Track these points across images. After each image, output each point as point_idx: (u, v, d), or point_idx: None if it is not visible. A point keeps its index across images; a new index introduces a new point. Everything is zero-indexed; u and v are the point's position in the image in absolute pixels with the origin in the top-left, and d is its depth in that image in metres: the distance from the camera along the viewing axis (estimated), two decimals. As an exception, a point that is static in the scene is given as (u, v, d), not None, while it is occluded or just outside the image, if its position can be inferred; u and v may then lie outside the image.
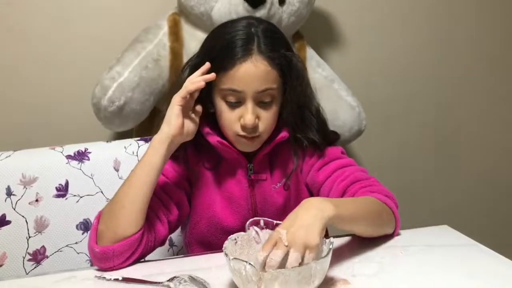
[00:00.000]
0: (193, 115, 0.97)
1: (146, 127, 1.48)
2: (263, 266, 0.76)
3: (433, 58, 1.89)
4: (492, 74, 1.96)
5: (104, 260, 0.89)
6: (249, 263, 0.72)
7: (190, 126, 0.96)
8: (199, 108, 0.98)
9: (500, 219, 2.06)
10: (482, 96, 1.96)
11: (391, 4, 1.82)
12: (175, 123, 0.93)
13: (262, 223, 0.86)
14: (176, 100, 0.93)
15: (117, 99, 1.37)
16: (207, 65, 0.95)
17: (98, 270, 0.91)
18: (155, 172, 0.93)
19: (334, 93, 1.55)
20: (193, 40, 1.42)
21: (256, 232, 0.86)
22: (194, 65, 0.99)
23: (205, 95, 0.98)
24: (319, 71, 1.56)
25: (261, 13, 1.35)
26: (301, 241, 0.75)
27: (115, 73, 1.38)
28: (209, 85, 0.98)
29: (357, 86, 1.66)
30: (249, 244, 0.85)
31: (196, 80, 0.93)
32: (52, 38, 1.60)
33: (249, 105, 0.95)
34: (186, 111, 0.96)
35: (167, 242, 1.28)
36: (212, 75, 0.94)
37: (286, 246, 0.75)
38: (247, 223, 0.86)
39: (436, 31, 1.87)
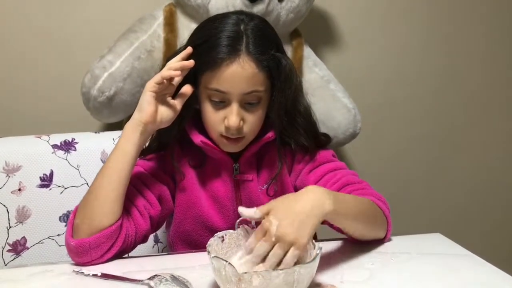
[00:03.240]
0: (171, 102, 0.93)
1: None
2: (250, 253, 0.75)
3: (431, 61, 1.88)
4: (490, 79, 1.95)
5: (80, 254, 0.86)
6: (229, 263, 0.70)
7: (165, 113, 0.92)
8: (186, 89, 0.93)
9: (494, 228, 2.05)
10: (479, 101, 1.95)
11: (391, 6, 1.81)
12: (146, 110, 0.90)
13: (253, 222, 0.83)
14: (149, 86, 0.90)
15: (107, 89, 1.34)
16: (188, 49, 0.91)
17: (77, 264, 0.88)
18: (129, 160, 0.90)
19: (330, 94, 1.53)
20: (188, 32, 1.36)
21: (246, 231, 0.84)
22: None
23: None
24: (315, 71, 1.54)
25: (259, 8, 1.32)
26: (289, 239, 0.73)
27: (106, 63, 1.36)
28: (195, 82, 0.95)
29: (354, 88, 1.64)
30: (238, 243, 0.83)
31: (173, 66, 0.89)
32: (42, 25, 1.57)
33: (234, 107, 0.93)
34: (162, 98, 0.92)
35: (152, 238, 1.26)
36: (191, 62, 0.90)
37: (273, 241, 0.73)
38: (237, 221, 0.84)
39: (435, 34, 1.86)
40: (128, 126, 0.91)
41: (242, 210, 0.79)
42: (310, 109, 1.02)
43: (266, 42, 0.94)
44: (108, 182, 0.88)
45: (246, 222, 0.84)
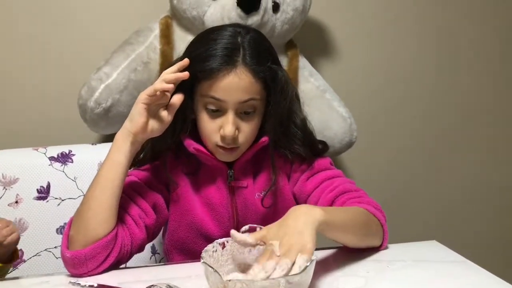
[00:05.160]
0: (163, 113, 0.93)
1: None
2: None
3: (426, 70, 1.89)
4: (487, 87, 1.95)
5: (76, 265, 0.86)
6: (215, 270, 0.70)
7: (156, 125, 0.92)
8: (176, 100, 0.93)
9: (490, 235, 2.04)
10: (474, 110, 1.96)
11: (385, 15, 1.82)
12: (137, 121, 0.90)
13: (258, 230, 0.83)
14: (141, 98, 0.90)
15: (104, 101, 1.35)
16: (185, 61, 0.92)
17: (73, 276, 0.88)
18: (120, 169, 0.90)
19: (326, 103, 1.54)
20: (185, 44, 1.36)
21: None
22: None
23: (187, 101, 0.95)
24: (311, 81, 1.55)
25: (253, 19, 1.33)
26: (296, 248, 0.74)
27: (103, 74, 1.37)
28: (191, 91, 0.96)
29: (349, 97, 1.65)
30: (241, 251, 0.83)
31: (167, 78, 0.89)
32: (39, 38, 1.58)
33: (230, 116, 0.93)
34: (155, 109, 0.92)
35: (149, 249, 1.26)
36: (185, 74, 0.90)
37: (278, 256, 0.74)
38: (242, 229, 0.84)
39: (429, 43, 1.87)
40: (119, 136, 0.92)
41: (234, 234, 0.79)
42: (306, 120, 1.03)
43: (262, 54, 0.95)
44: (101, 193, 0.89)
45: (253, 230, 0.83)
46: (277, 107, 0.97)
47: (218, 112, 0.94)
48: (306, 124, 1.03)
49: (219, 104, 0.93)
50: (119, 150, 0.91)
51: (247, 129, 0.96)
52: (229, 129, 0.93)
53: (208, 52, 0.93)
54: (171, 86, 0.89)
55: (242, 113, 0.95)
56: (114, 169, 0.90)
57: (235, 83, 0.92)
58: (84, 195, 0.91)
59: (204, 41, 0.96)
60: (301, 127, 1.02)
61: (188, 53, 0.98)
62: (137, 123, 0.90)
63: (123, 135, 0.91)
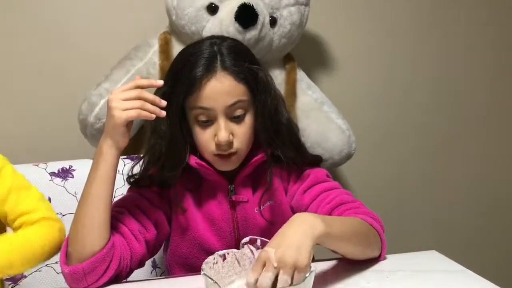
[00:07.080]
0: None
1: (133, 145, 1.46)
2: None
3: (423, 82, 1.90)
4: (486, 98, 1.96)
5: (76, 280, 0.87)
6: (215, 281, 0.71)
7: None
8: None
9: (490, 244, 2.04)
10: (473, 122, 1.97)
11: (382, 28, 1.84)
12: (126, 138, 0.90)
13: (259, 242, 0.84)
14: (129, 116, 0.87)
15: (104, 116, 1.34)
16: (159, 82, 0.91)
17: (74, 290, 0.88)
18: (111, 183, 0.90)
19: (324, 115, 1.55)
20: (183, 59, 1.41)
21: (251, 251, 0.84)
22: (163, 92, 0.95)
23: (184, 127, 0.97)
24: (309, 94, 1.56)
25: (251, 34, 1.35)
26: (291, 262, 0.73)
27: (103, 90, 1.38)
28: (184, 114, 0.97)
29: (347, 109, 1.66)
30: (242, 263, 0.83)
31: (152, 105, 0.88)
32: (40, 53, 1.59)
33: (221, 122, 0.95)
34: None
35: (150, 264, 1.26)
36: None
37: (275, 267, 0.73)
38: (242, 241, 0.84)
39: (427, 56, 1.89)
40: (108, 151, 0.90)
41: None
42: (291, 120, 1.05)
43: (239, 56, 0.97)
44: (93, 211, 0.88)
45: (253, 242, 0.84)
46: (264, 106, 0.98)
47: (209, 122, 0.96)
48: (292, 124, 1.04)
49: (208, 113, 0.95)
50: (110, 166, 0.90)
51: (240, 132, 0.97)
52: (222, 135, 0.94)
53: (188, 65, 0.95)
54: (163, 113, 0.88)
55: (233, 118, 0.96)
56: (105, 185, 0.90)
57: (218, 88, 0.93)
58: (76, 211, 0.91)
59: (184, 56, 0.99)
60: (288, 126, 1.03)
61: (170, 73, 1.00)
62: (125, 140, 0.90)
63: (113, 151, 0.90)
